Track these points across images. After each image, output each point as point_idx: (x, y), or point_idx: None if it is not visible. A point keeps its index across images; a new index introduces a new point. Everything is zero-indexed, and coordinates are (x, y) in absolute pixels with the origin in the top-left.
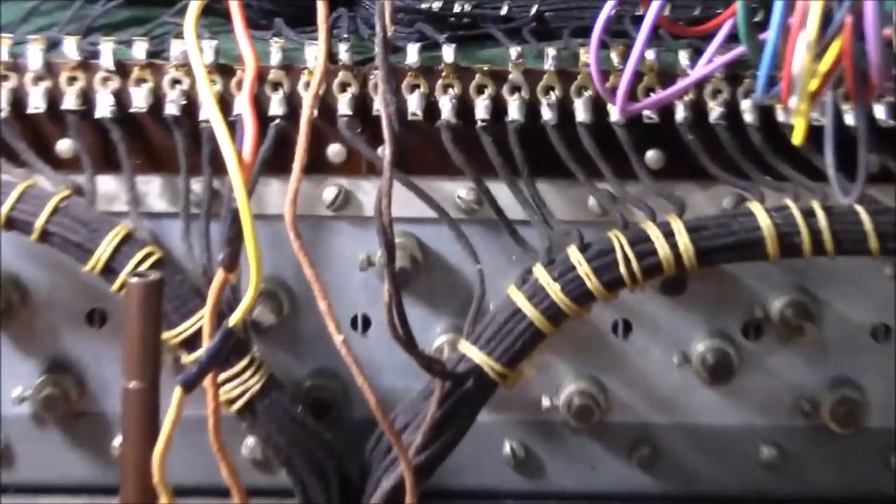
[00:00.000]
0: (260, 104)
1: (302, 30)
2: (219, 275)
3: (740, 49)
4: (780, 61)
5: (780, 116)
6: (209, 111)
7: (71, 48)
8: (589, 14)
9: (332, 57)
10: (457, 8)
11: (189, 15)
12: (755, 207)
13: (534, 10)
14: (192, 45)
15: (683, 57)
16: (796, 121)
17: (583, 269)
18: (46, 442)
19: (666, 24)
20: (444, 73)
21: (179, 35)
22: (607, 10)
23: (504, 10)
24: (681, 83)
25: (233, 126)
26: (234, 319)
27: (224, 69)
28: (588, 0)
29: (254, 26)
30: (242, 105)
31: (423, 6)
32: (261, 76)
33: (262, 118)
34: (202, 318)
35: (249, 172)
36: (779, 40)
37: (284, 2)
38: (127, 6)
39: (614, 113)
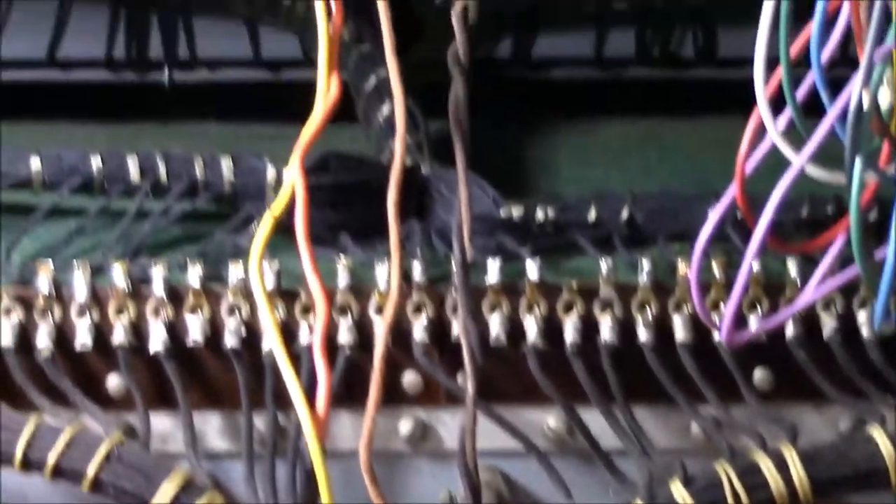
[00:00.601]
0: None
1: (369, 243)
2: None
3: (852, 272)
4: None
5: None
6: (275, 351)
7: (119, 276)
8: (685, 216)
9: (404, 276)
10: (539, 214)
11: (255, 247)
12: (876, 432)
13: (625, 213)
14: (256, 282)
15: (792, 268)
16: None
17: None
18: None
19: (772, 242)
20: (528, 292)
21: (236, 254)
22: (711, 227)
23: (592, 216)
24: (791, 307)
25: (298, 358)
26: None
27: (287, 294)
28: (683, 201)
29: (317, 240)
30: (315, 353)
31: (503, 213)
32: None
33: (330, 344)
34: None
35: (324, 427)
36: None
37: (349, 214)
38: (177, 222)
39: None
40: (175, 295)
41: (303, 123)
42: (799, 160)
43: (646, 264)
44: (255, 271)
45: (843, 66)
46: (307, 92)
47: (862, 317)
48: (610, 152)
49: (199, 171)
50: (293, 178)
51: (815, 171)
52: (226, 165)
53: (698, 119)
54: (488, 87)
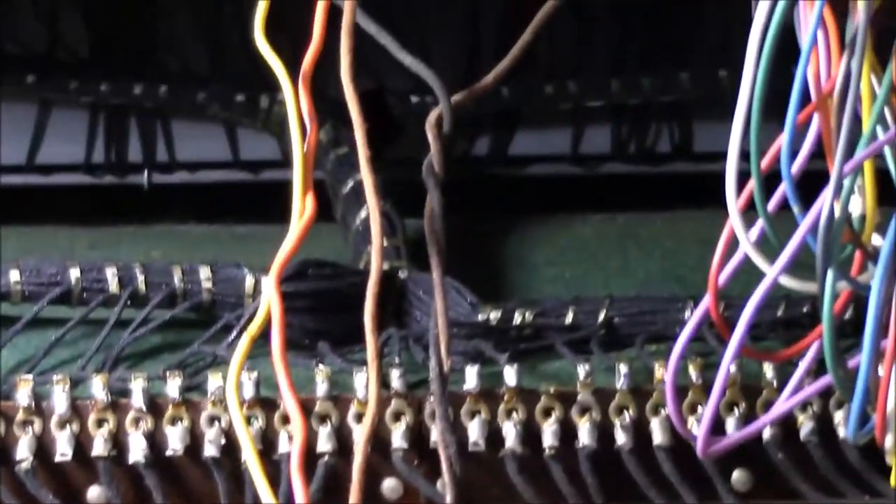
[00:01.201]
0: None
1: (349, 350)
2: None
3: (828, 379)
4: (872, 395)
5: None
6: (251, 469)
7: (99, 388)
8: (662, 318)
9: (383, 384)
10: (517, 318)
11: (232, 368)
12: None
13: (601, 317)
14: (233, 404)
15: (769, 371)
16: (894, 461)
17: None
18: None
19: (747, 352)
20: (506, 397)
21: (215, 364)
22: (686, 337)
23: (569, 319)
24: (768, 415)
25: (278, 465)
26: None
27: (266, 402)
28: (660, 304)
29: (295, 347)
30: (292, 474)
31: (481, 317)
32: (306, 408)
33: (309, 453)
34: None
35: None
36: (870, 372)
37: (327, 320)
38: (157, 331)
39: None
40: (154, 406)
41: (282, 223)
42: (772, 273)
43: (623, 369)
44: (233, 393)
45: (819, 158)
46: (286, 192)
47: (838, 417)
48: (588, 250)
49: (177, 280)
50: (269, 298)
51: (788, 282)
52: (204, 275)
53: (675, 213)
54: (466, 184)
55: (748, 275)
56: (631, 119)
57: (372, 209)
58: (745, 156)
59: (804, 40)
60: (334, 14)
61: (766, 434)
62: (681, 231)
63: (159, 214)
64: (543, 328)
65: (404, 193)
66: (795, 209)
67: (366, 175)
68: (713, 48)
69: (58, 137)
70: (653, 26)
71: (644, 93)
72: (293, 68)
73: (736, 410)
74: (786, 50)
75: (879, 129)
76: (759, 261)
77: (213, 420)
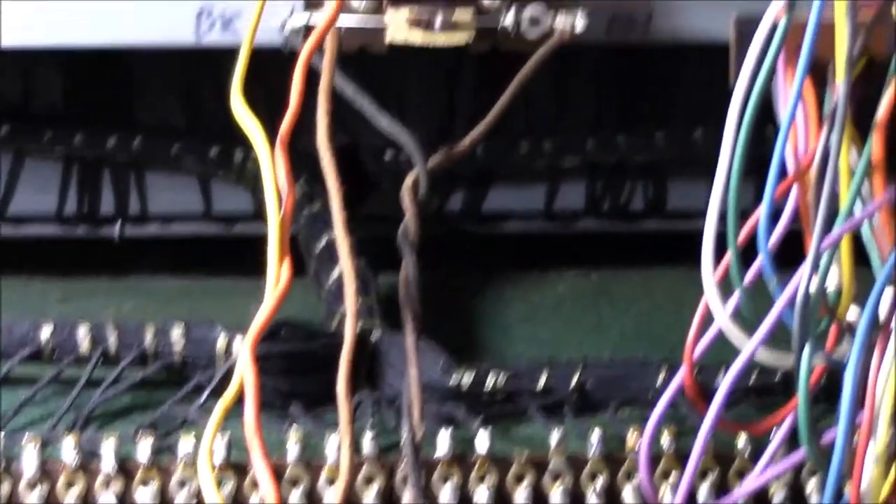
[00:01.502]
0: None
1: (322, 409)
2: None
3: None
4: (847, 470)
5: None
6: None
7: (69, 449)
8: (635, 384)
9: (355, 448)
10: (490, 381)
11: (204, 441)
12: None
13: (574, 381)
14: (205, 471)
15: (741, 439)
16: None
17: None
18: None
19: (723, 425)
20: (478, 464)
21: (186, 426)
22: (660, 411)
23: (542, 383)
24: (741, 489)
25: None
26: None
27: (237, 467)
28: (634, 368)
29: (268, 407)
30: None
31: (454, 380)
32: (277, 473)
33: None
34: None
35: None
36: (845, 447)
37: (300, 381)
38: (128, 391)
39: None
40: (125, 468)
41: (256, 277)
42: (748, 349)
43: (595, 435)
44: (205, 464)
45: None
46: (260, 246)
47: (811, 486)
48: (562, 307)
49: (148, 340)
50: (243, 370)
51: (764, 356)
52: (176, 335)
53: (649, 271)
54: (439, 240)
55: (722, 338)
56: (605, 176)
57: (347, 273)
58: (723, 218)
59: (783, 116)
60: (310, 72)
61: (740, 502)
62: (654, 289)
63: (132, 267)
64: (516, 392)
65: (378, 250)
66: (772, 285)
67: (340, 239)
68: (689, 108)
69: (30, 188)
70: (629, 86)
71: (619, 151)
72: (267, 124)
73: (708, 478)
74: (763, 112)
75: (858, 204)
76: (735, 337)
77: (183, 483)
